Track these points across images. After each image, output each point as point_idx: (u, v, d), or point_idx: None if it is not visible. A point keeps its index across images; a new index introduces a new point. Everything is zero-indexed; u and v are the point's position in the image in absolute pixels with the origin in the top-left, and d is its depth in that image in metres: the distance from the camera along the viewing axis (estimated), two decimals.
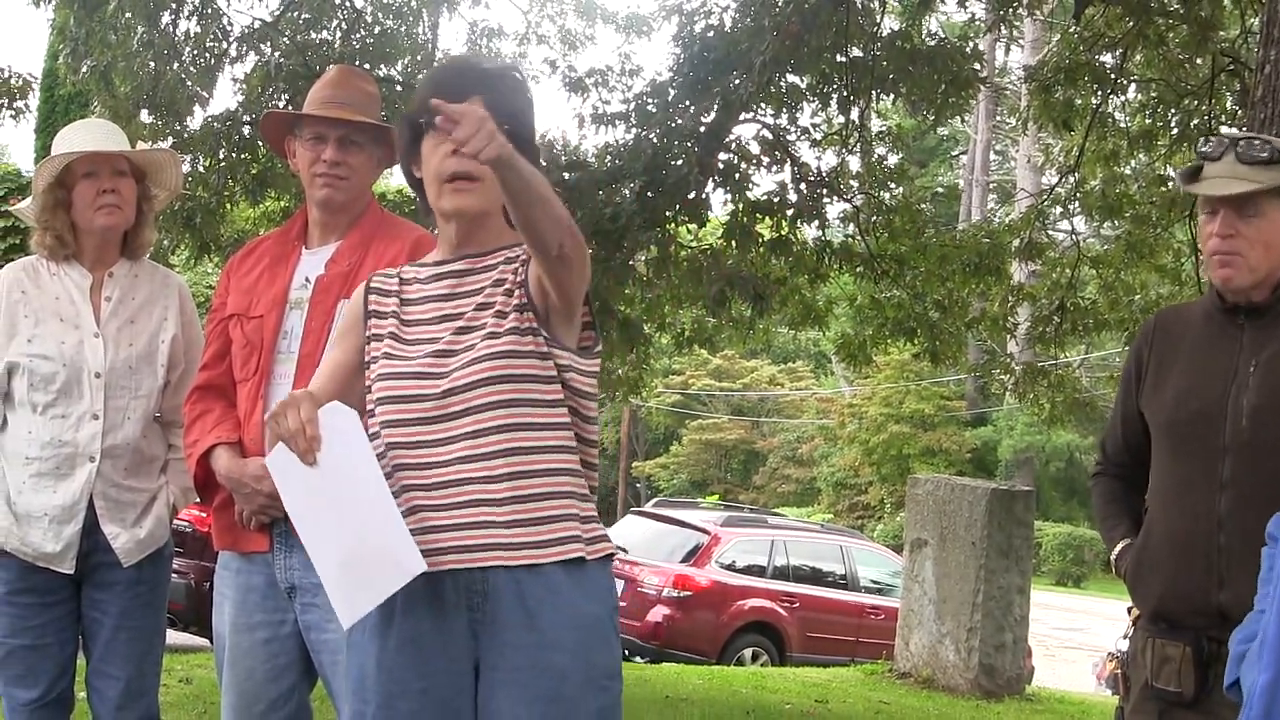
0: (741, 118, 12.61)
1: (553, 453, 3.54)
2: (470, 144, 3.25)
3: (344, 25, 13.67)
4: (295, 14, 13.40)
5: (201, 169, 12.54)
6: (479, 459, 3.48)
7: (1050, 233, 16.69)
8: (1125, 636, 4.48)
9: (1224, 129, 13.24)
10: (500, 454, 3.48)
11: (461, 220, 3.70)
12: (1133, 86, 14.16)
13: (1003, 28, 14.05)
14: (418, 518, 3.49)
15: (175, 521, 5.19)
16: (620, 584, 17.78)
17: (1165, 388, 4.30)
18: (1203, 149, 4.22)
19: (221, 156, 12.84)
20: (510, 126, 3.49)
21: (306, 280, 4.63)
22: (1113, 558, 4.41)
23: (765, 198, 12.97)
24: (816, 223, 13.63)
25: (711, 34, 12.69)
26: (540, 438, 3.53)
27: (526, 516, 3.48)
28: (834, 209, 14.27)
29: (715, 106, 11.92)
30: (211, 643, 4.83)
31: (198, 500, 4.95)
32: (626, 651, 17.87)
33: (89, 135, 5.15)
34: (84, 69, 12.32)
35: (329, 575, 3.51)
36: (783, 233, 13.10)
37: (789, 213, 13.02)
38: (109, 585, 4.98)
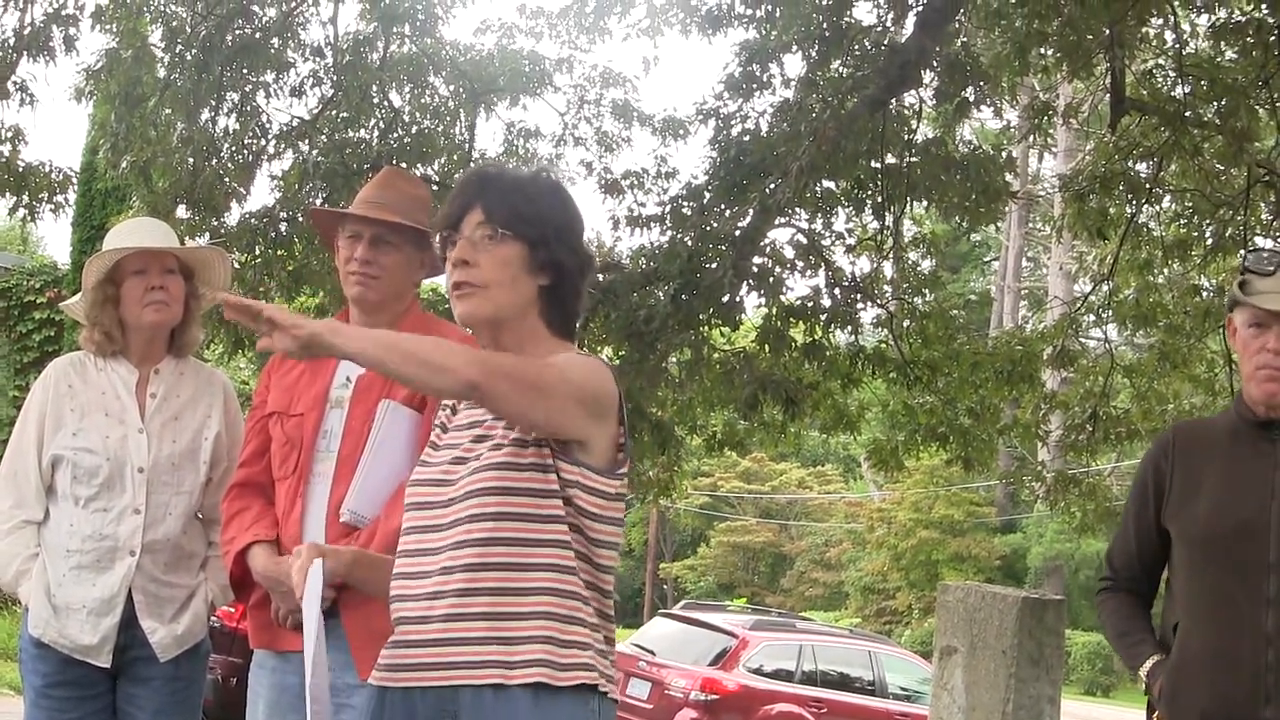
0: (776, 222, 12.63)
1: (538, 570, 3.39)
2: (275, 340, 3.30)
3: (382, 124, 13.74)
4: (334, 112, 13.48)
5: (238, 265, 12.59)
6: (460, 570, 3.38)
7: (1083, 340, 16.63)
8: None
9: (1259, 239, 13.25)
10: (481, 567, 3.37)
11: (473, 326, 3.62)
12: (1167, 196, 14.16)
13: (1036, 136, 14.08)
14: (400, 631, 3.46)
15: None
16: (647, 686, 17.69)
17: (1196, 502, 4.27)
18: (1256, 265, 4.22)
19: (258, 253, 12.90)
20: (513, 232, 3.52)
21: (348, 380, 4.64)
22: (1142, 674, 4.33)
23: (799, 302, 12.98)
24: (850, 328, 13.65)
25: (748, 138, 12.74)
26: (525, 554, 3.39)
27: (497, 635, 3.35)
28: (867, 314, 14.25)
29: (751, 210, 11.94)
30: None
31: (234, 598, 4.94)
32: None
33: (140, 233, 5.21)
34: (124, 164, 12.39)
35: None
36: (816, 337, 13.09)
37: (822, 317, 13.03)
38: (145, 680, 4.98)
